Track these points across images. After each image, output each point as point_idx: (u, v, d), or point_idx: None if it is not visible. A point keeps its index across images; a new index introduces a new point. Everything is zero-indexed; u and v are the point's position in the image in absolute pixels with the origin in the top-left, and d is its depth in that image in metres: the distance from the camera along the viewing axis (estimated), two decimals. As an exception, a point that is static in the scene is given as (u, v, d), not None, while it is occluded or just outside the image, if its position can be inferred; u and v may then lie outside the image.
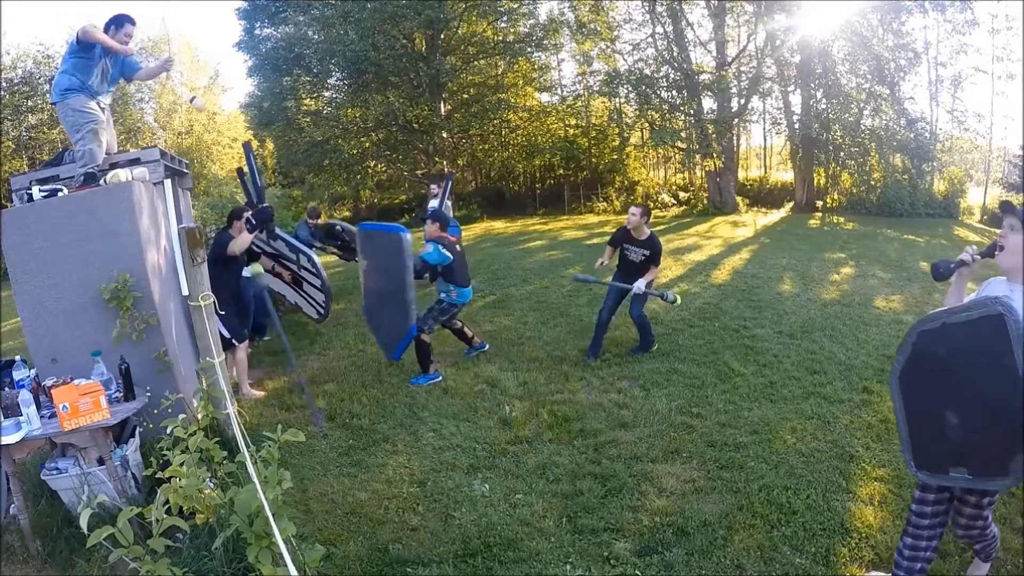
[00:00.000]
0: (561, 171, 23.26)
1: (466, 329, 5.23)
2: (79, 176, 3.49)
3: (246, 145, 6.30)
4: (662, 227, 15.26)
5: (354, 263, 7.12)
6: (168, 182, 4.13)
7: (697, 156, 19.51)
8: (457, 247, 4.86)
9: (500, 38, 20.98)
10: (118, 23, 3.63)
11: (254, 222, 4.47)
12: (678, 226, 15.43)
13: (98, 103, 3.68)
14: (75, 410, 2.66)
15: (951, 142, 20.31)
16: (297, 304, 4.98)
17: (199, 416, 2.99)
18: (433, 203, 8.22)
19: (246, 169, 5.77)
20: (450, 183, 8.53)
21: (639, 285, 4.81)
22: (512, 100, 21.24)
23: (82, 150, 3.55)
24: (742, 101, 19.58)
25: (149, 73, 4.06)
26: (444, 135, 20.24)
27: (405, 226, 4.61)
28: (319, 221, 7.78)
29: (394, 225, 4.67)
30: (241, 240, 4.37)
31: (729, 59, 19.25)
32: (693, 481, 3.17)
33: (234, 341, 4.36)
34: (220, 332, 4.28)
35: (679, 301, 4.34)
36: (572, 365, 4.96)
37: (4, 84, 18.13)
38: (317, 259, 4.84)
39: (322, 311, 4.94)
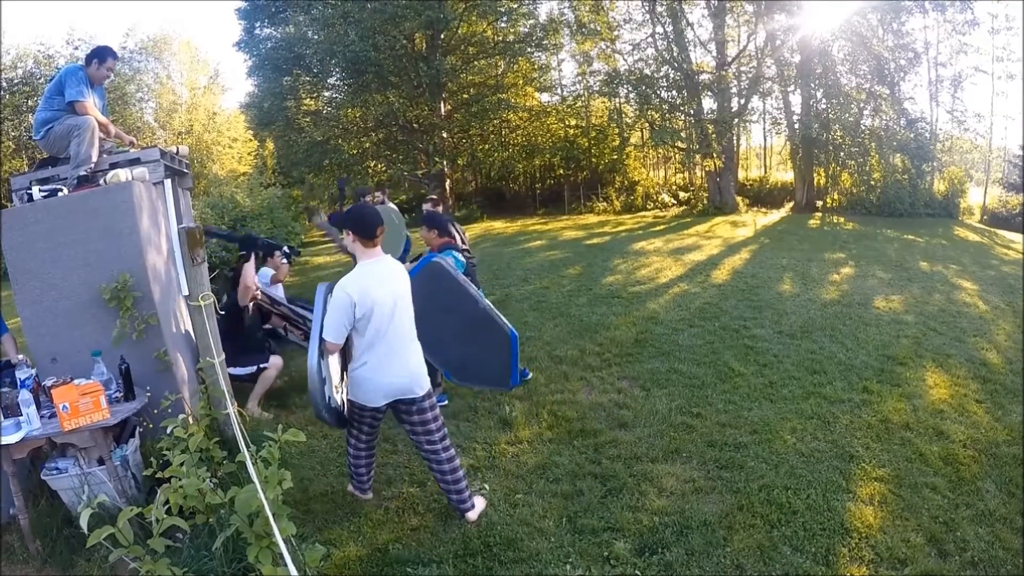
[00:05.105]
0: (561, 171, 23.23)
1: None
2: (72, 179, 3.49)
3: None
4: (662, 227, 15.26)
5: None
6: (168, 182, 4.13)
7: (697, 156, 19.48)
8: (468, 253, 4.44)
9: (500, 38, 20.94)
10: (101, 57, 3.75)
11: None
12: (678, 226, 15.41)
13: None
14: (75, 410, 2.66)
15: (951, 142, 20.28)
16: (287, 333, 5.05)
17: (199, 416, 2.99)
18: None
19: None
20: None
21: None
22: (512, 100, 21.19)
23: (76, 150, 3.53)
24: (742, 101, 19.57)
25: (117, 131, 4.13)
26: (444, 135, 20.22)
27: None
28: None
29: (421, 260, 4.02)
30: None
31: (729, 59, 19.23)
32: (693, 481, 3.17)
33: (260, 365, 4.29)
34: (239, 376, 4.18)
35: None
36: (572, 365, 4.96)
37: (4, 84, 18.09)
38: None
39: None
